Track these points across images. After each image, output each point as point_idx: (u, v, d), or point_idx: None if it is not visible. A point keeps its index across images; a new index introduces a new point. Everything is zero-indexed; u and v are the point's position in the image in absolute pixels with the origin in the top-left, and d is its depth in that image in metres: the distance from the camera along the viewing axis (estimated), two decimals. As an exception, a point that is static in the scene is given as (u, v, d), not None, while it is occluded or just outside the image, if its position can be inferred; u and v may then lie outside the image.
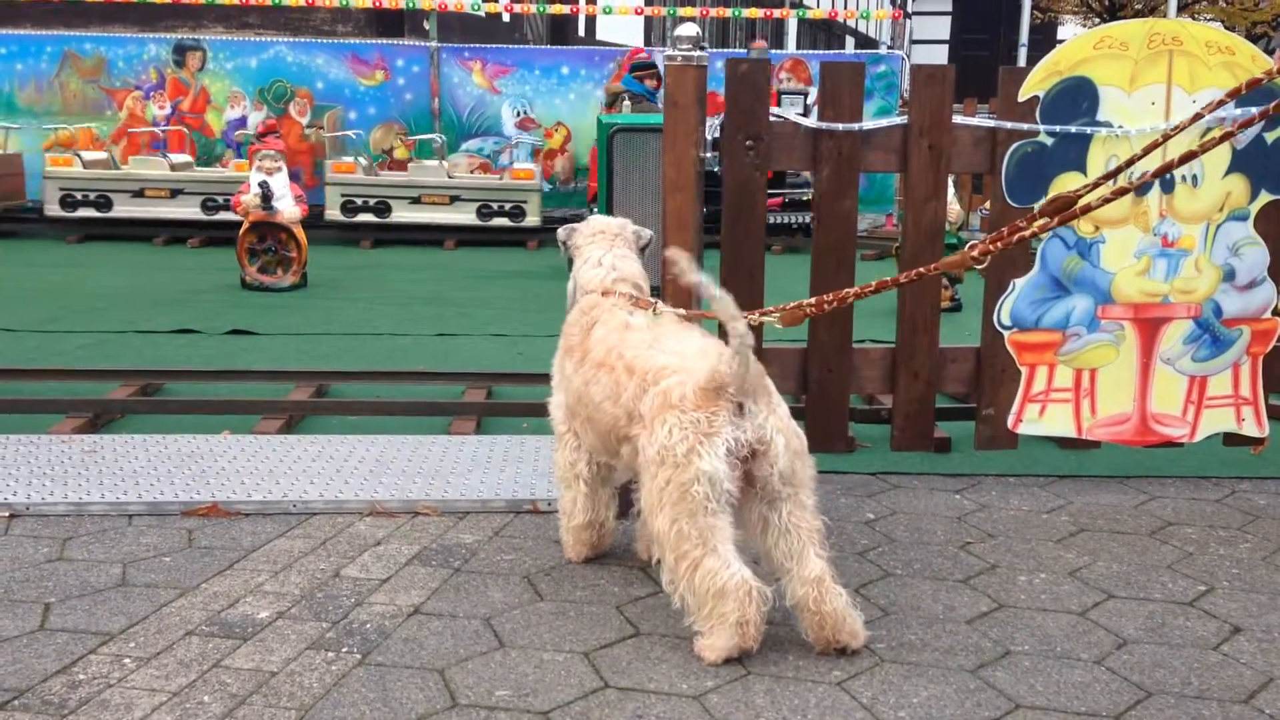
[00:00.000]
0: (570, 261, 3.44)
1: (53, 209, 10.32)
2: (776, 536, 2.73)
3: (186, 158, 10.73)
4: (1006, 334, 3.90)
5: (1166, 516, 3.74)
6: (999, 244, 3.00)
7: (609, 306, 3.15)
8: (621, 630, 2.88)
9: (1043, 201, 3.03)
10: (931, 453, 4.20)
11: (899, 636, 2.87)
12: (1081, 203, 3.04)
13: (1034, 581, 3.22)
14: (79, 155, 10.38)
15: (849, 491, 3.93)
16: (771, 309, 3.18)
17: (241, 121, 11.27)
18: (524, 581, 3.16)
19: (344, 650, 2.74)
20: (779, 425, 2.70)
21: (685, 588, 2.67)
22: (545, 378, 5.28)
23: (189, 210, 10.32)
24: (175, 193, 10.33)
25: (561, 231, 3.49)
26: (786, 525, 2.72)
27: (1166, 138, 3.11)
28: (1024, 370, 3.90)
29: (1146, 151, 3.11)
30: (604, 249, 3.31)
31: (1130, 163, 3.13)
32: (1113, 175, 3.15)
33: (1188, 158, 2.89)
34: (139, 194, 10.31)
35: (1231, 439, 4.06)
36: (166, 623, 2.87)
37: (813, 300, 3.20)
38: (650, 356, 2.85)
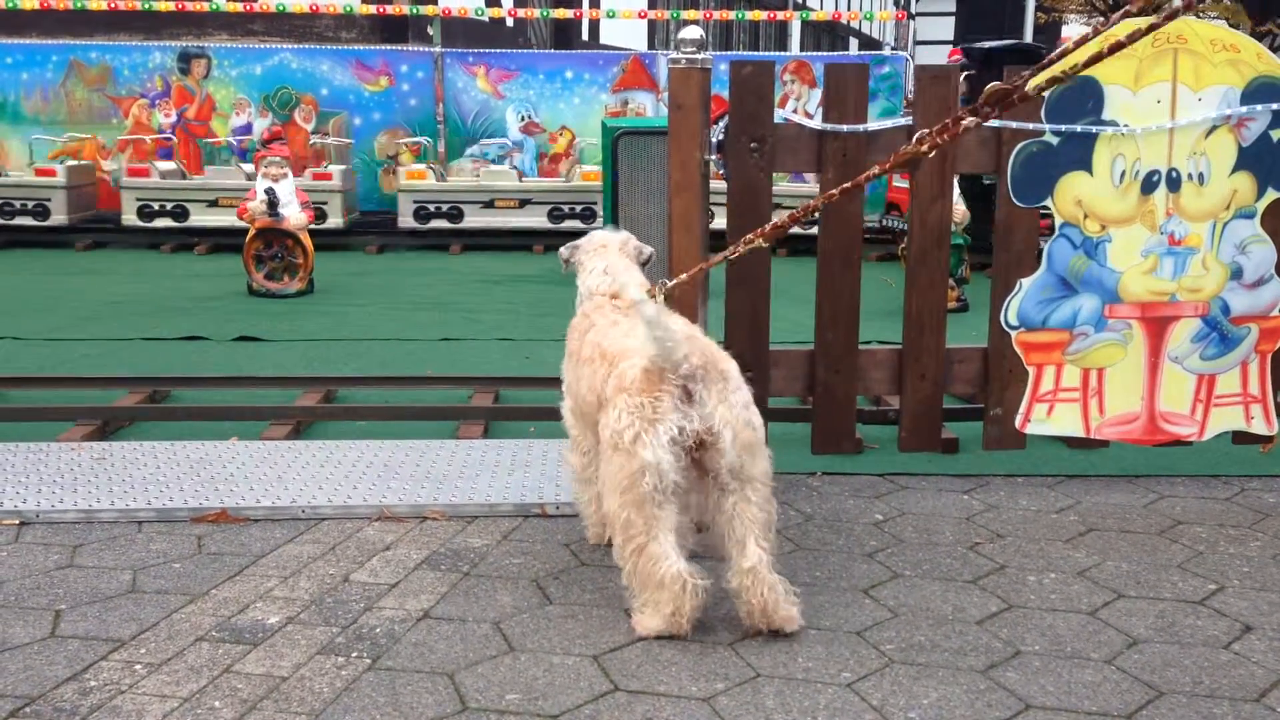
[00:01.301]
0: (575, 277, 3.49)
1: (130, 219, 10.38)
2: (724, 523, 2.82)
3: (170, 164, 10.73)
4: (1013, 334, 3.90)
5: (1176, 515, 3.73)
6: (946, 135, 2.96)
7: (605, 308, 3.19)
8: (631, 633, 2.88)
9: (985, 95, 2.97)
10: (939, 453, 4.20)
11: (908, 638, 2.87)
12: (1030, 85, 2.99)
13: (1043, 581, 3.21)
14: (155, 165, 10.44)
15: (857, 493, 3.93)
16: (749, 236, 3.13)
17: (247, 129, 11.29)
18: (533, 585, 3.16)
19: (354, 655, 2.75)
20: (727, 417, 2.74)
21: (630, 569, 2.80)
22: (552, 381, 5.30)
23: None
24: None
25: (564, 249, 3.55)
26: (732, 514, 2.80)
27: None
28: (1031, 370, 3.90)
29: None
30: (606, 260, 3.36)
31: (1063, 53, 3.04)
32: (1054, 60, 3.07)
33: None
34: (214, 204, 10.38)
35: (1240, 437, 4.05)
36: (177, 629, 2.88)
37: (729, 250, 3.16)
38: (619, 341, 2.92)
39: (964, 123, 2.87)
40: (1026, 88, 2.87)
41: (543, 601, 3.06)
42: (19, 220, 10.32)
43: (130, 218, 10.35)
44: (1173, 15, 2.61)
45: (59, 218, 10.35)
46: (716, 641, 2.84)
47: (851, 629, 2.92)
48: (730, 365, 2.83)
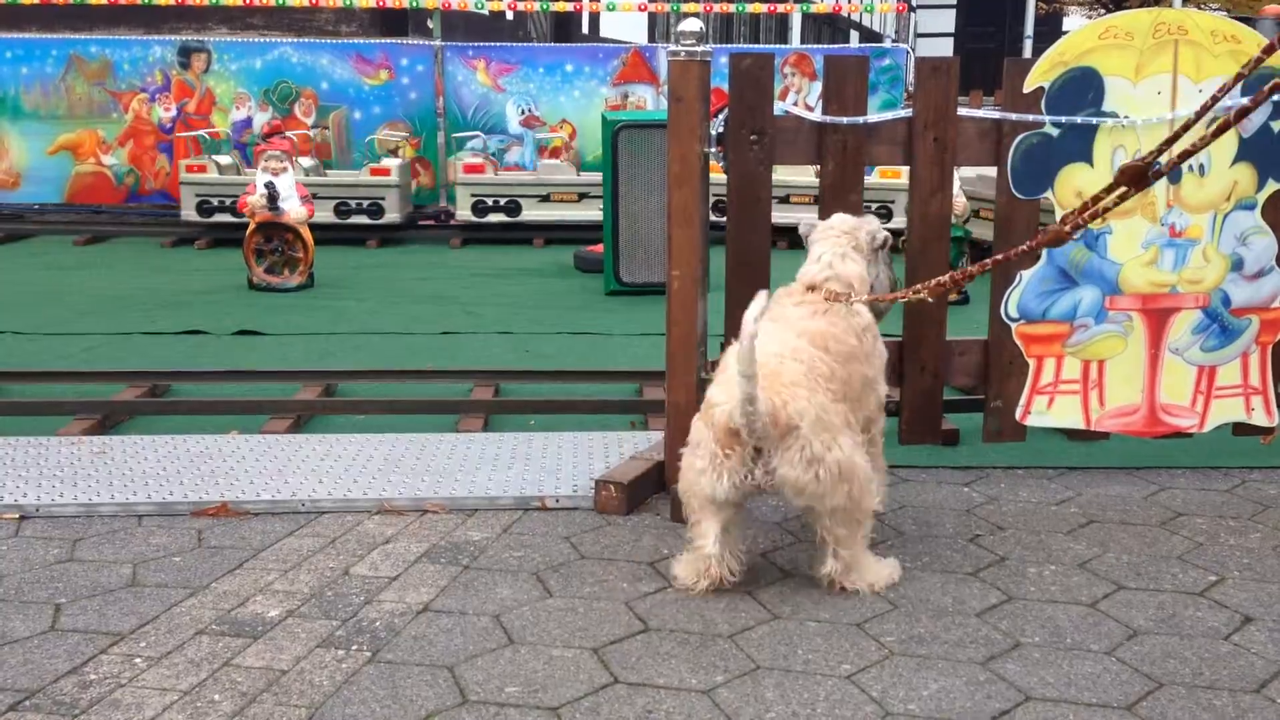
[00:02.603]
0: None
1: (189, 214, 10.37)
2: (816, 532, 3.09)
3: (227, 159, 10.68)
4: (1014, 326, 3.89)
5: (1176, 507, 3.73)
6: (1085, 215, 2.98)
7: (785, 301, 3.31)
8: (630, 626, 2.88)
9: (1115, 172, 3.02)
10: (939, 445, 4.19)
11: (908, 630, 2.87)
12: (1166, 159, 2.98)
13: (1043, 573, 3.21)
14: (215, 161, 10.43)
15: (857, 485, 3.92)
16: (919, 285, 3.28)
17: (247, 123, 11.27)
18: (533, 578, 3.17)
19: (354, 648, 2.75)
20: (786, 475, 2.92)
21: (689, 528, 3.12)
22: (552, 374, 5.32)
23: (321, 214, 10.32)
24: (311, 197, 10.39)
25: (803, 226, 3.60)
26: (818, 530, 3.05)
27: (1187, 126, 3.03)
28: (1032, 362, 3.89)
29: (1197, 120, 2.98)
30: (828, 247, 3.42)
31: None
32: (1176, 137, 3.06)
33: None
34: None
35: (1241, 429, 4.05)
36: (177, 622, 2.88)
37: (953, 275, 3.24)
38: (727, 361, 3.09)
39: (1103, 202, 2.89)
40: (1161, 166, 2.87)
41: (543, 594, 3.06)
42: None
43: (189, 213, 10.33)
44: None
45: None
46: (716, 634, 2.84)
47: (851, 621, 2.92)
48: (803, 414, 2.92)
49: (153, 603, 2.99)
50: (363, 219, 10.35)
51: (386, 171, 10.43)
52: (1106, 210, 2.94)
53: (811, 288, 3.34)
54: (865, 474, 3.01)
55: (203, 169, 10.34)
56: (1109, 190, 2.91)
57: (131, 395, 4.94)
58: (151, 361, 5.65)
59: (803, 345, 3.12)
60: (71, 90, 11.21)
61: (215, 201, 10.23)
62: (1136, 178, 2.85)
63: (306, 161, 10.55)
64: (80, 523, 3.54)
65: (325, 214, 10.18)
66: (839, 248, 3.41)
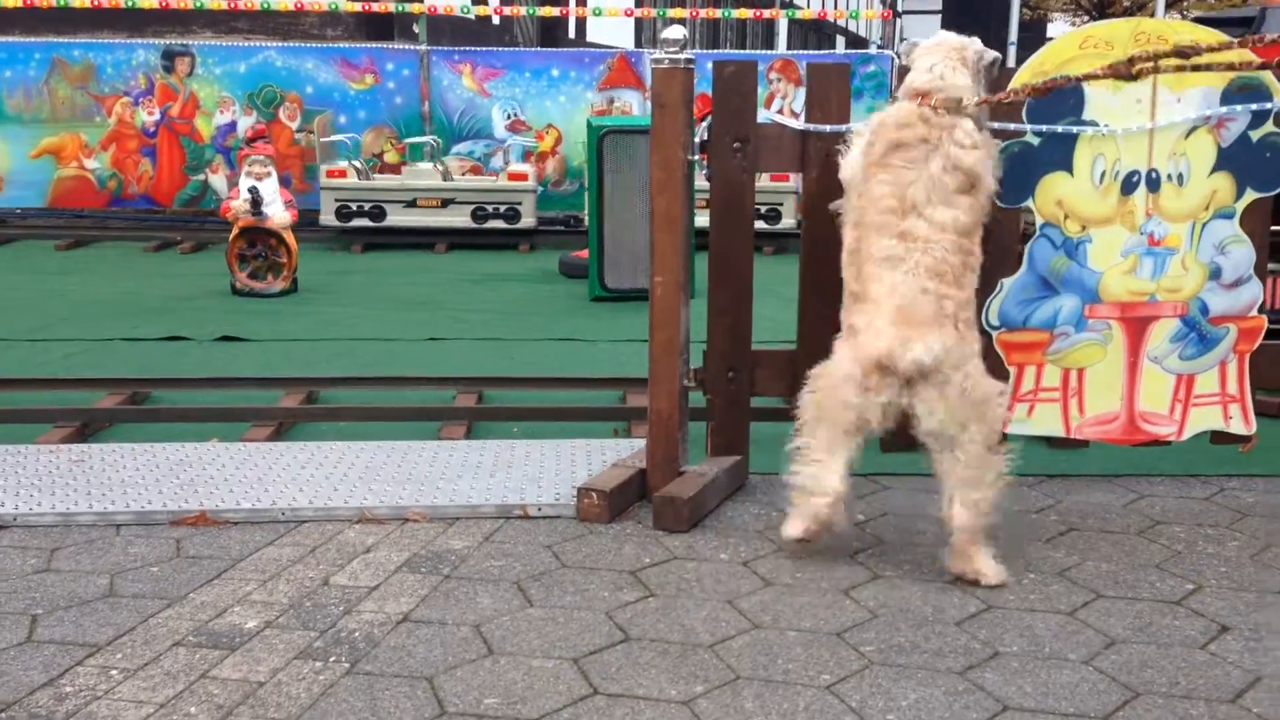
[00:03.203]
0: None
1: (328, 219, 10.37)
2: (941, 476, 3.25)
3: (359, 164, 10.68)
4: (994, 334, 3.90)
5: (1155, 515, 3.75)
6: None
7: (921, 136, 3.27)
8: (611, 636, 2.88)
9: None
10: (922, 453, 4.19)
11: (888, 639, 2.87)
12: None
13: (1023, 582, 3.22)
14: (356, 167, 10.41)
15: (839, 493, 3.93)
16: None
17: (231, 127, 11.24)
18: (513, 588, 3.16)
19: (332, 659, 2.74)
20: (932, 399, 3.15)
21: (797, 470, 3.27)
22: (537, 381, 5.32)
23: (459, 219, 10.33)
24: (446, 203, 10.38)
25: (904, 46, 3.59)
26: (942, 471, 3.22)
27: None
28: (1012, 370, 3.90)
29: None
30: (938, 57, 3.39)
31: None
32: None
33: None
34: (412, 204, 10.33)
35: (1219, 437, 4.06)
36: (154, 634, 2.87)
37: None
38: (878, 280, 3.22)
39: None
40: None
41: (523, 604, 3.06)
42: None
43: (328, 218, 10.34)
44: None
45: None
46: (696, 643, 2.84)
47: (831, 630, 2.92)
48: (947, 351, 3.15)
49: (129, 614, 2.98)
50: (499, 224, 10.33)
51: (524, 176, 10.43)
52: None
53: (921, 95, 3.31)
54: (996, 402, 3.23)
55: (343, 174, 10.34)
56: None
57: (111, 403, 4.91)
58: (132, 368, 5.62)
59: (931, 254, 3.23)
60: (54, 94, 11.15)
61: (354, 206, 10.25)
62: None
63: (424, 165, 10.58)
64: (58, 532, 3.53)
65: (463, 218, 10.26)
66: (950, 60, 3.38)
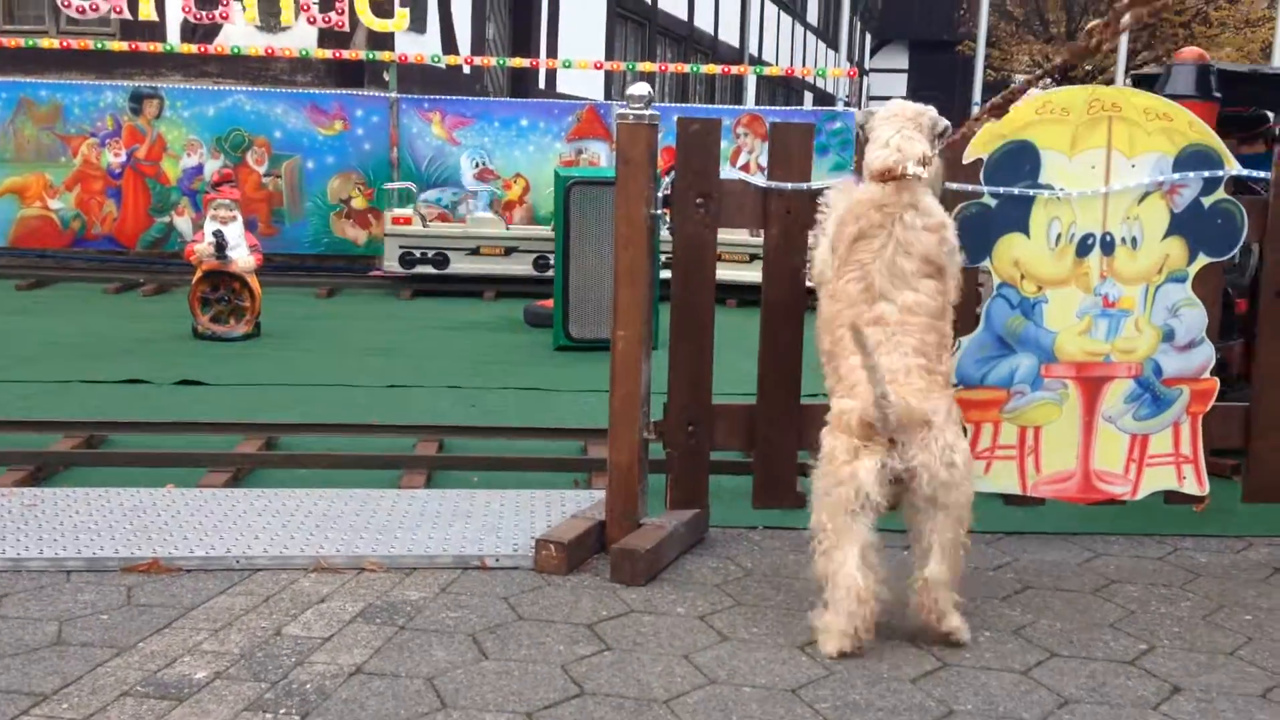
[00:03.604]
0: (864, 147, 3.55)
1: (391, 265, 10.37)
2: (916, 539, 3.19)
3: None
4: (952, 392, 3.94)
5: (1110, 574, 3.78)
6: (1110, 31, 3.21)
7: (877, 224, 3.28)
8: (566, 690, 2.86)
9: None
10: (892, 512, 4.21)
11: (843, 696, 2.87)
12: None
13: (978, 639, 3.23)
14: (420, 214, 10.41)
15: (798, 547, 3.93)
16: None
17: (198, 170, 11.22)
18: (468, 640, 3.14)
19: (282, 712, 2.70)
20: (925, 461, 3.08)
21: (819, 567, 3.15)
22: (498, 430, 5.31)
23: (521, 267, 10.33)
24: (509, 250, 10.42)
25: (860, 115, 3.62)
26: (923, 532, 3.15)
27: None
28: (969, 427, 3.93)
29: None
30: (893, 130, 3.40)
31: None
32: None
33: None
34: (475, 251, 10.36)
35: (1173, 497, 4.11)
36: (101, 683, 2.82)
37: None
38: (850, 364, 3.21)
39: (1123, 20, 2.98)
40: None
41: (478, 657, 3.04)
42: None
43: (392, 264, 10.37)
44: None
45: None
46: (651, 698, 2.83)
47: (787, 686, 2.92)
48: (936, 410, 3.13)
49: (77, 662, 2.93)
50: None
51: None
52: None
53: (885, 174, 3.31)
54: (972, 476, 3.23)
55: (408, 221, 10.37)
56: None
57: (67, 446, 4.85)
58: (89, 411, 5.56)
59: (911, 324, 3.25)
60: (20, 133, 11.10)
61: (418, 253, 10.26)
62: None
63: (486, 214, 10.62)
64: (7, 578, 3.47)
65: (524, 266, 10.33)
66: (906, 129, 3.39)
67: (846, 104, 16.82)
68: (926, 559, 3.14)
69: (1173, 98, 4.99)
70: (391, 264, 10.38)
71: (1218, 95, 5.18)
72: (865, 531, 3.09)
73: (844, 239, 3.32)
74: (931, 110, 3.54)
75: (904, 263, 3.25)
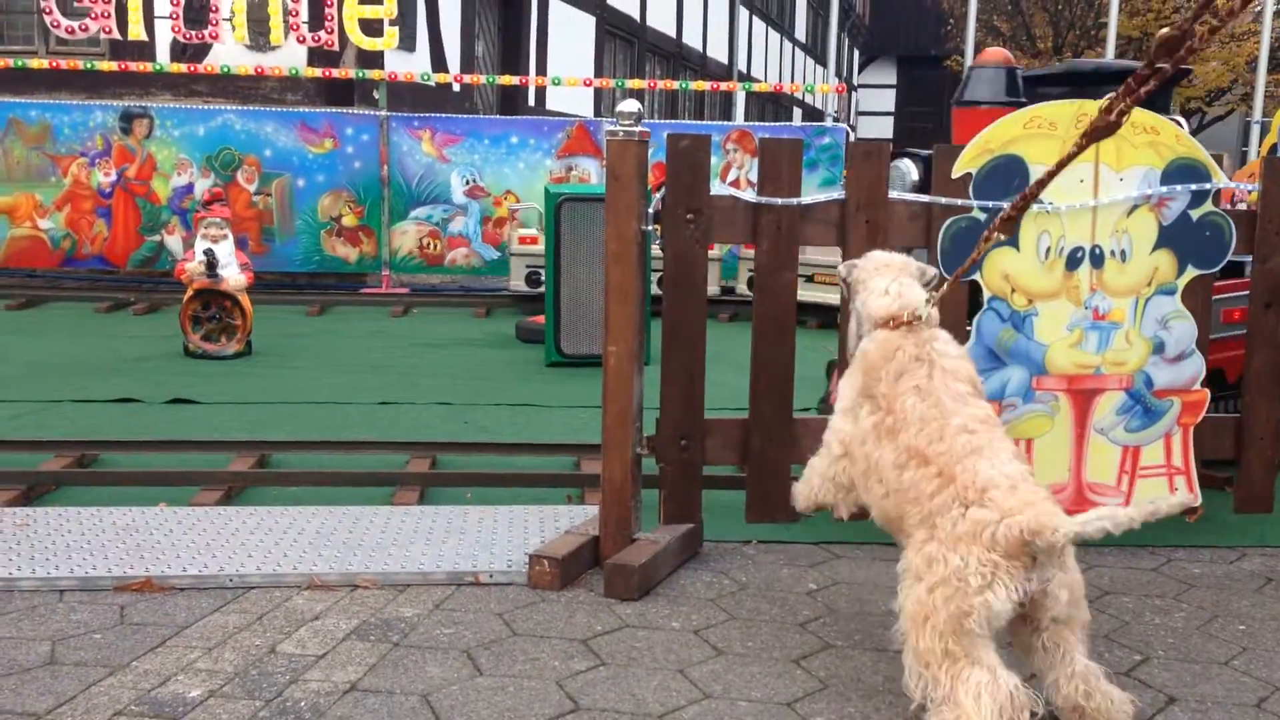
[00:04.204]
0: (847, 297, 3.50)
1: (518, 284, 10.46)
2: (1043, 653, 2.77)
3: None
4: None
5: (1104, 585, 3.78)
6: (1130, 99, 3.05)
7: (913, 356, 3.06)
8: (561, 706, 2.86)
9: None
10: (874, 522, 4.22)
11: (839, 709, 2.87)
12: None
13: (973, 652, 3.23)
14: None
15: (792, 562, 3.94)
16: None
17: (188, 189, 11.22)
18: (463, 656, 3.13)
19: (277, 729, 2.70)
20: (1064, 580, 2.71)
21: (945, 697, 2.64)
22: (490, 446, 5.30)
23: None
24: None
25: (842, 268, 3.53)
26: (1051, 645, 2.75)
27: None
28: (962, 440, 3.95)
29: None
30: (889, 278, 3.28)
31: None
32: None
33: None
34: None
35: (1165, 508, 4.12)
36: (94, 702, 2.81)
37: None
38: (968, 468, 2.80)
39: (1144, 88, 2.89)
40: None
41: (473, 673, 3.03)
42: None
43: (518, 284, 10.47)
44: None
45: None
46: (647, 713, 2.83)
47: (782, 700, 2.92)
48: (1063, 524, 2.67)
49: (70, 681, 2.92)
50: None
51: (710, 246, 10.38)
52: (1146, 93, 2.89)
53: (892, 320, 3.16)
54: None
55: (535, 240, 10.40)
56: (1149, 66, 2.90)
57: (59, 465, 4.84)
58: (80, 430, 5.55)
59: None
60: (9, 154, 11.10)
61: (543, 275, 10.25)
62: (1172, 46, 2.79)
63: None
64: (0, 598, 3.46)
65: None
66: (901, 277, 3.29)
67: (835, 119, 16.87)
68: (1067, 659, 2.75)
69: (973, 103, 4.93)
70: (518, 283, 10.53)
71: (1023, 100, 4.99)
72: (992, 643, 2.69)
73: (883, 379, 3.07)
74: (914, 260, 3.45)
75: (956, 385, 3.03)
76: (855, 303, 3.34)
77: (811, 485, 3.36)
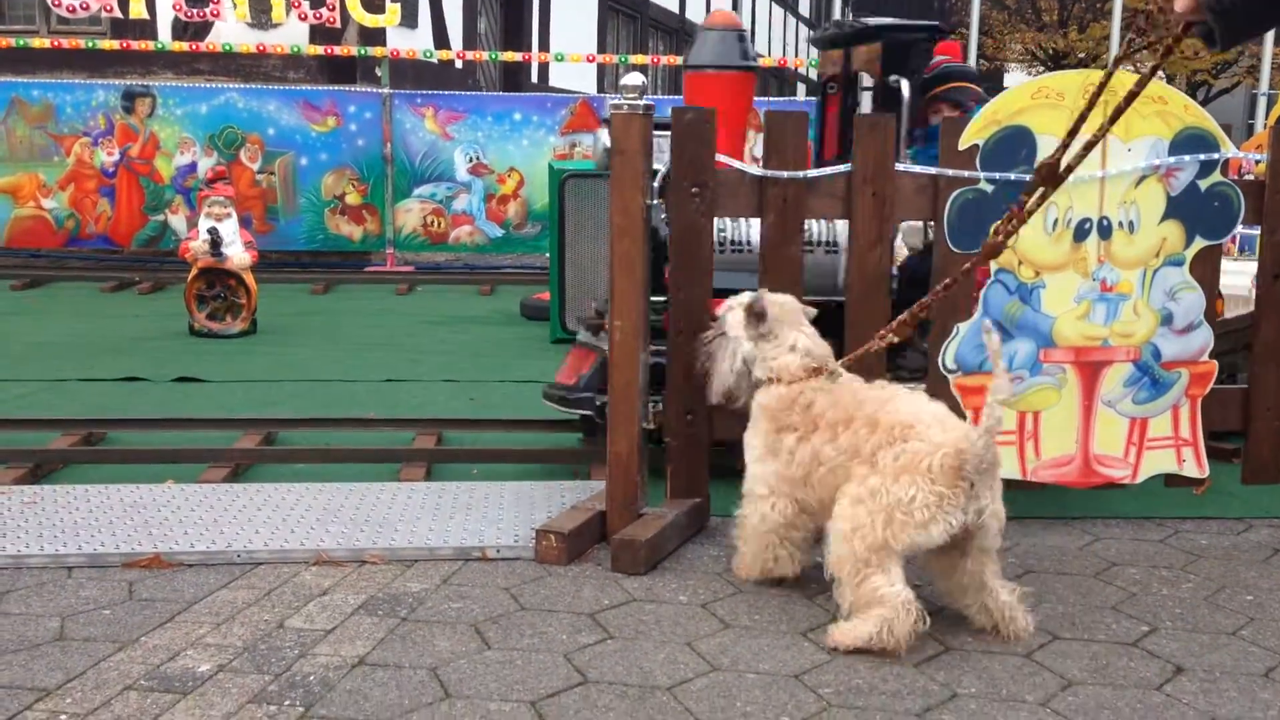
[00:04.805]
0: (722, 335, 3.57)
1: None
2: (960, 577, 3.12)
3: None
4: (951, 378, 3.94)
5: (1111, 557, 3.78)
6: (1015, 222, 3.25)
7: (814, 389, 3.34)
8: (569, 678, 2.86)
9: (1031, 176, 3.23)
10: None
11: (846, 680, 2.87)
12: (1063, 164, 3.21)
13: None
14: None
15: (798, 535, 3.94)
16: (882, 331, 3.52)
17: (191, 168, 11.21)
18: (471, 630, 3.14)
19: (286, 704, 2.70)
20: (995, 511, 3.03)
21: (850, 594, 3.02)
22: (497, 423, 5.30)
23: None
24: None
25: (753, 301, 3.55)
26: (971, 569, 3.09)
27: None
28: (969, 413, 3.94)
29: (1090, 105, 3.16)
30: (795, 331, 3.45)
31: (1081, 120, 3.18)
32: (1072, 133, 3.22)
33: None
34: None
35: (1173, 479, 4.12)
36: (104, 677, 2.82)
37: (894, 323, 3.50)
38: (892, 412, 3.11)
39: (1029, 205, 3.09)
40: (1067, 158, 3.04)
41: (481, 647, 3.04)
42: None
43: None
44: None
45: None
46: (655, 685, 2.83)
47: (790, 672, 2.92)
48: (1000, 453, 3.06)
49: (80, 657, 2.93)
50: None
51: None
52: (1031, 214, 3.20)
53: (808, 373, 3.37)
54: None
55: None
56: (1029, 193, 3.18)
57: (65, 443, 4.85)
58: (87, 409, 5.56)
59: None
60: (12, 133, 11.09)
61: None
62: (1050, 176, 3.04)
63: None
64: (8, 575, 3.46)
65: None
66: (804, 328, 3.47)
67: (840, 95, 16.76)
68: (988, 586, 3.09)
69: (699, 67, 4.85)
70: None
71: (754, 64, 4.91)
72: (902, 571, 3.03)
73: (793, 411, 3.32)
74: (798, 304, 3.56)
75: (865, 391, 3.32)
76: (752, 350, 3.47)
77: (752, 550, 3.46)
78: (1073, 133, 3.15)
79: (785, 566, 3.42)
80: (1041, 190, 3.21)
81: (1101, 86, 3.15)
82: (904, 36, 4.61)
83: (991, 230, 3.30)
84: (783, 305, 3.53)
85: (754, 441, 3.46)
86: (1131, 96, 3.01)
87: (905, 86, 4.54)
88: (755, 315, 3.48)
